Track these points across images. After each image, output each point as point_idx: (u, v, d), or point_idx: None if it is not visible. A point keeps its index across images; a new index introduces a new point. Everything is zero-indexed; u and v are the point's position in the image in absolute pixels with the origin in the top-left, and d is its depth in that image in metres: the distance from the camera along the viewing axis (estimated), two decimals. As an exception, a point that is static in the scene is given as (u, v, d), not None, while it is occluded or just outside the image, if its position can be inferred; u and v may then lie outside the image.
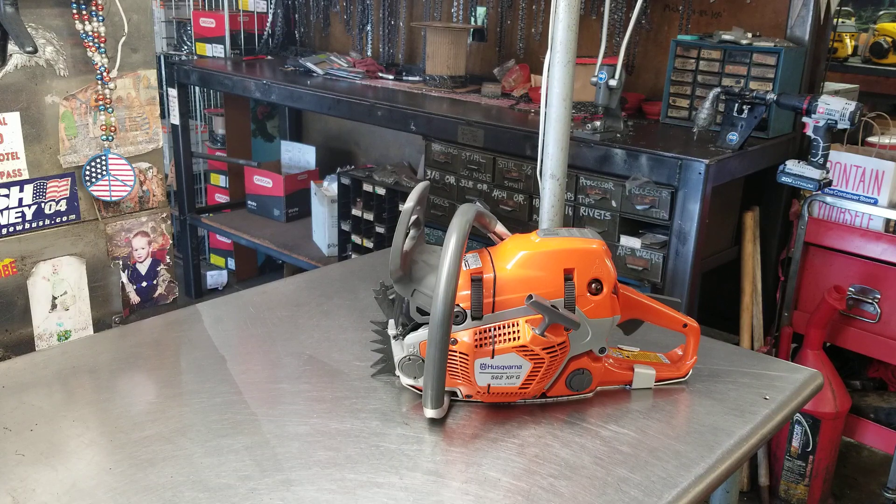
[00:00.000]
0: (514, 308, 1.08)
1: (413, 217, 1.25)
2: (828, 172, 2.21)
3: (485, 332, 1.08)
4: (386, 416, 1.12)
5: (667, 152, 2.27)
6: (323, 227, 3.68)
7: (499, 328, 1.08)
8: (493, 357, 1.08)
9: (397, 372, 1.17)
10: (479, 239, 2.78)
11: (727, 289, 2.75)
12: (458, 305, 1.08)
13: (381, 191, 3.30)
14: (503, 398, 1.13)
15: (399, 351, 1.15)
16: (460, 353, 1.09)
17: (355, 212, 3.43)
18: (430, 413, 1.09)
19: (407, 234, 1.12)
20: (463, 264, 1.11)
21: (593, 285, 1.10)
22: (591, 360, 1.15)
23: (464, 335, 1.08)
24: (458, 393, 1.14)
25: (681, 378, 1.23)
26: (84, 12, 1.88)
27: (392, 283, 1.13)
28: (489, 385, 1.10)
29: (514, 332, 1.08)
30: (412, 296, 1.11)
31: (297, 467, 1.00)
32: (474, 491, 0.97)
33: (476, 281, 1.09)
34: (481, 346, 1.08)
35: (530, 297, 1.06)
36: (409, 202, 1.12)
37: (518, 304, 1.08)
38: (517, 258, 1.09)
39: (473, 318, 1.08)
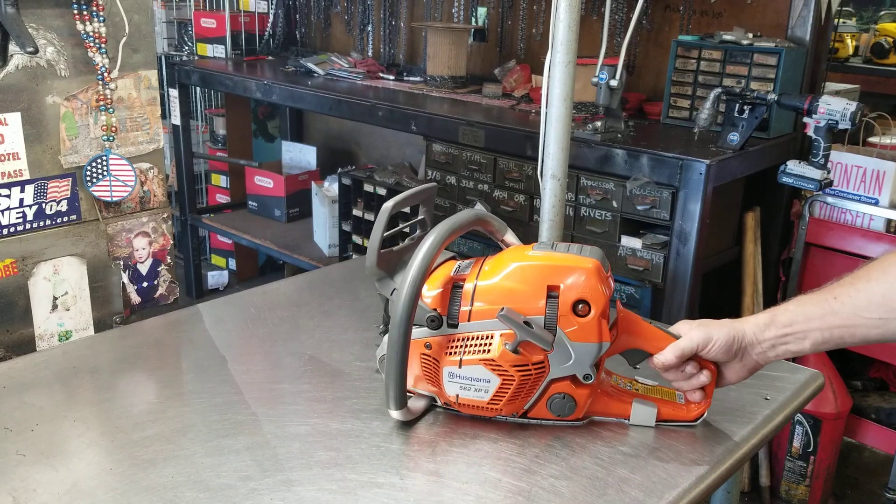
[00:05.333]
0: (492, 320, 1.04)
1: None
2: (829, 173, 2.21)
3: (457, 340, 1.06)
4: (387, 416, 1.12)
5: (668, 152, 2.27)
6: (324, 227, 3.68)
7: (471, 338, 1.06)
8: (460, 367, 1.06)
9: (377, 367, 1.16)
10: (479, 240, 2.78)
11: (728, 289, 2.75)
12: (434, 310, 1.06)
13: (381, 191, 3.29)
14: (474, 411, 1.10)
15: (382, 349, 1.14)
16: (433, 358, 1.07)
17: (356, 212, 3.43)
18: (395, 414, 1.08)
19: (385, 233, 1.11)
20: (453, 270, 1.11)
21: (580, 306, 1.04)
22: (573, 386, 1.07)
23: (437, 341, 1.07)
24: (437, 400, 1.13)
25: (689, 422, 1.13)
26: (85, 13, 1.88)
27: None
28: (458, 395, 1.08)
29: (485, 344, 1.05)
30: (392, 295, 1.11)
31: (297, 467, 1.00)
32: (475, 491, 0.97)
33: (457, 287, 1.07)
34: (451, 353, 1.07)
35: (502, 310, 1.02)
36: (391, 202, 1.11)
37: (494, 316, 1.04)
38: (506, 270, 1.06)
39: (449, 326, 1.07)
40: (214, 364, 1.27)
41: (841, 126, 2.15)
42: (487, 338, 1.05)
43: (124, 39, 1.99)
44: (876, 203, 2.43)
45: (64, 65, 1.90)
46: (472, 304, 1.06)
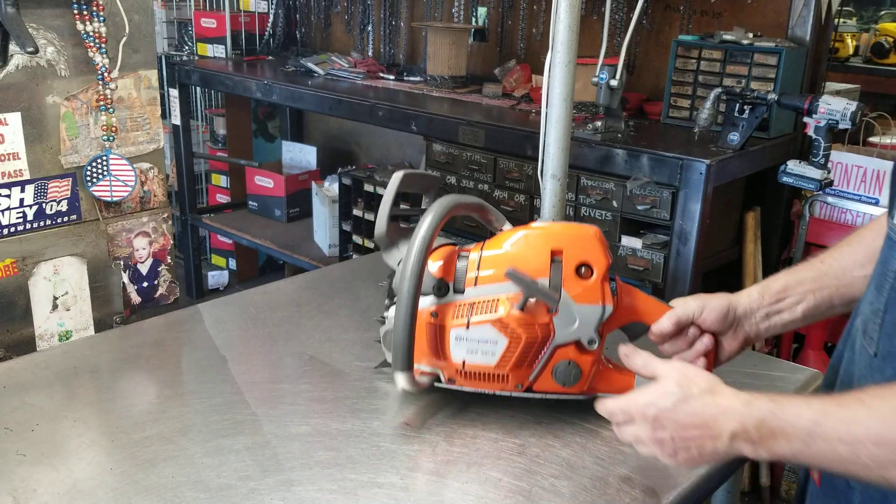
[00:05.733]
0: (498, 284, 1.07)
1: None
2: (829, 172, 2.21)
3: (463, 305, 1.09)
4: (387, 416, 1.12)
5: (668, 152, 2.27)
6: (324, 227, 3.68)
7: (479, 302, 1.08)
8: (468, 328, 1.08)
9: (382, 345, 1.17)
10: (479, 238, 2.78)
11: (728, 289, 2.75)
12: (441, 279, 1.09)
13: (382, 191, 3.29)
14: (480, 383, 1.11)
15: (388, 324, 1.15)
16: (439, 325, 1.09)
17: (356, 212, 3.43)
18: (400, 378, 1.07)
19: (396, 203, 1.14)
20: (455, 246, 1.14)
21: (582, 269, 1.07)
22: (578, 352, 1.09)
23: (444, 308, 1.09)
24: (441, 376, 1.13)
25: None
26: (85, 13, 1.88)
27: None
28: (464, 361, 1.09)
29: (492, 306, 1.07)
30: (399, 265, 1.12)
31: (297, 467, 1.00)
32: (475, 491, 0.97)
33: (462, 257, 1.11)
34: (458, 317, 1.09)
35: (509, 269, 1.05)
36: (401, 172, 1.15)
37: (501, 280, 1.07)
38: (511, 238, 1.10)
39: (455, 292, 1.09)
40: (214, 364, 1.27)
41: (841, 126, 2.15)
42: (494, 301, 1.07)
43: (124, 39, 1.99)
44: (876, 203, 2.43)
45: (64, 65, 1.90)
46: (478, 271, 1.09)
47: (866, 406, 0.78)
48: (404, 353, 1.05)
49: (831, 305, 1.07)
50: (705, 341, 1.10)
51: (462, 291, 1.09)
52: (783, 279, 1.10)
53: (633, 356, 0.99)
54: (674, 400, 0.88)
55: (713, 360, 1.12)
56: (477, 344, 1.08)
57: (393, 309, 1.11)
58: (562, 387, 1.09)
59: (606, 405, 0.96)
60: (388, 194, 1.14)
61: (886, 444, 0.75)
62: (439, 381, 1.13)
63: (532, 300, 1.05)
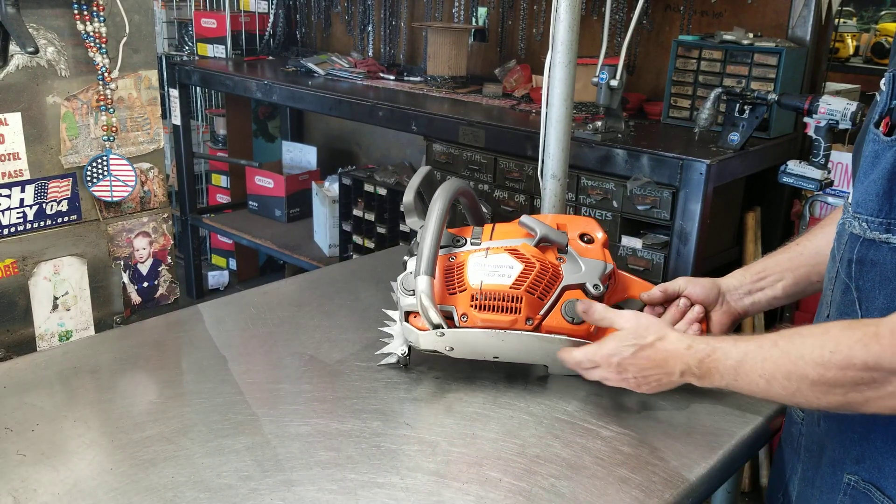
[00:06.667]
0: (512, 239, 1.20)
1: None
2: (829, 173, 2.21)
3: (481, 248, 1.19)
4: (387, 416, 1.12)
5: (668, 152, 2.27)
6: (324, 227, 3.68)
7: (494, 247, 1.19)
8: (486, 257, 1.17)
9: (398, 291, 1.19)
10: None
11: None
12: (458, 235, 1.22)
13: (382, 191, 3.30)
14: (494, 315, 1.13)
15: (405, 271, 1.21)
16: (457, 264, 1.18)
17: (356, 212, 3.43)
18: (422, 282, 1.11)
19: (422, 181, 1.26)
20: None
21: (585, 237, 1.23)
22: (584, 296, 1.18)
23: (461, 252, 1.19)
24: (454, 315, 1.15)
25: None
26: (85, 13, 1.88)
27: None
28: (482, 282, 1.14)
29: (509, 244, 1.19)
30: (420, 227, 1.19)
31: (298, 467, 1.00)
32: (475, 491, 0.97)
33: (477, 230, 1.24)
34: (476, 252, 1.19)
35: (523, 217, 1.18)
36: (429, 167, 1.31)
37: (515, 236, 1.20)
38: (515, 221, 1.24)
39: (472, 244, 1.20)
40: (215, 364, 1.27)
41: (841, 126, 2.15)
42: (510, 245, 1.19)
43: (125, 39, 1.99)
44: (876, 203, 2.42)
45: (64, 65, 1.90)
46: (492, 232, 1.22)
47: (779, 348, 0.92)
48: (428, 259, 1.12)
49: (810, 282, 1.17)
50: (696, 310, 1.20)
51: (479, 244, 1.20)
52: (762, 262, 1.21)
53: (592, 310, 1.12)
54: (633, 349, 1.04)
55: (706, 331, 1.21)
56: (494, 268, 1.16)
57: (412, 260, 1.19)
58: (569, 324, 1.15)
59: (573, 355, 1.10)
60: (417, 176, 1.29)
61: (793, 378, 0.90)
62: (452, 322, 1.15)
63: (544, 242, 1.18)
